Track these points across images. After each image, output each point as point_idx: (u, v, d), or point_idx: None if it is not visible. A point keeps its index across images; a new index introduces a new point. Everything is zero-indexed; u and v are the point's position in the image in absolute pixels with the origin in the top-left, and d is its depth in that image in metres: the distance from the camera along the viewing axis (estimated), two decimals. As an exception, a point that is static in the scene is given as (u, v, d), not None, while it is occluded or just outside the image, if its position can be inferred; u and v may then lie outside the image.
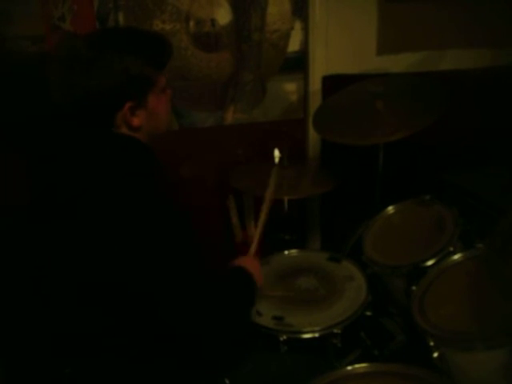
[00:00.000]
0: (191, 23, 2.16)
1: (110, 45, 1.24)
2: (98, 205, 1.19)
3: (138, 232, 1.17)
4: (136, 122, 1.27)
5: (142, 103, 1.27)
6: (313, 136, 2.43)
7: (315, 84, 2.37)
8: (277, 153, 2.15)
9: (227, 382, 1.41)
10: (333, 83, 2.35)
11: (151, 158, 1.34)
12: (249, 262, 1.53)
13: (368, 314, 1.71)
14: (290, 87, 2.38)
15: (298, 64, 2.34)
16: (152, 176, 1.29)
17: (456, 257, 1.65)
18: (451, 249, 1.69)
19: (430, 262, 1.69)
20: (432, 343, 1.40)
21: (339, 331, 1.62)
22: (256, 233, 1.69)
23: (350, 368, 1.35)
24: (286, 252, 2.05)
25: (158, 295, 1.19)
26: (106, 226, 1.18)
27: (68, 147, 1.30)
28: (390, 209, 2.03)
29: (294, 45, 2.31)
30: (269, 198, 1.71)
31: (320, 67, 2.34)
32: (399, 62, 2.41)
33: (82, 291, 1.24)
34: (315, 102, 2.37)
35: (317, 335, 1.61)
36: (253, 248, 1.64)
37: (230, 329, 1.31)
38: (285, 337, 1.61)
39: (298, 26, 2.28)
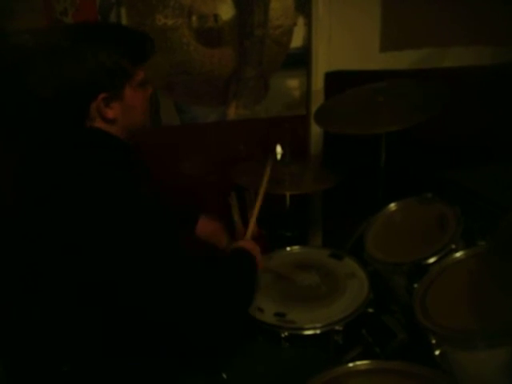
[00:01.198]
0: (194, 18, 2.15)
1: (86, 36, 1.24)
2: (73, 199, 1.18)
3: (116, 226, 1.16)
4: (110, 114, 1.26)
5: (118, 95, 1.26)
6: (315, 132, 2.42)
7: (318, 80, 2.36)
8: (279, 149, 2.14)
9: (224, 376, 1.41)
10: (335, 80, 2.34)
11: (125, 152, 1.32)
12: (248, 244, 1.53)
13: (370, 311, 1.71)
14: (293, 83, 2.37)
15: (301, 60, 2.34)
16: (125, 169, 1.27)
17: (458, 255, 1.65)
18: (453, 247, 1.69)
19: (431, 260, 1.69)
20: (433, 341, 1.39)
21: (341, 328, 1.62)
22: (250, 221, 1.68)
23: (351, 365, 1.35)
24: (288, 248, 2.05)
25: (151, 287, 1.17)
26: (82, 222, 1.16)
27: (41, 143, 1.29)
28: (392, 206, 2.03)
29: (296, 41, 2.30)
30: (262, 190, 1.72)
31: (323, 63, 2.34)
32: (402, 59, 2.40)
33: (75, 289, 1.23)
34: (318, 98, 2.37)
35: (318, 332, 1.61)
36: (248, 234, 1.64)
37: (234, 310, 1.31)
38: (286, 333, 1.61)
39: (300, 21, 2.28)
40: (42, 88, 1.22)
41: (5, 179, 1.34)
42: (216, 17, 2.17)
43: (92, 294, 1.21)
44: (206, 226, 1.80)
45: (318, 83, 2.36)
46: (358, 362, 1.35)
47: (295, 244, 2.07)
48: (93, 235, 1.15)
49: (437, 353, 1.38)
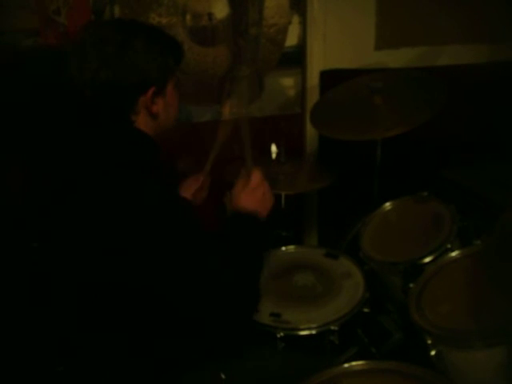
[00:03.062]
0: (188, 17, 2.14)
1: (137, 32, 1.27)
2: (103, 194, 1.20)
3: (145, 225, 1.17)
4: (155, 108, 1.29)
5: (163, 91, 1.30)
6: (310, 131, 2.42)
7: (313, 79, 2.36)
8: (274, 148, 2.14)
9: (223, 376, 1.40)
10: (331, 78, 2.34)
11: (158, 154, 1.35)
12: (248, 196, 1.42)
13: (365, 311, 1.70)
14: (288, 82, 2.37)
15: (296, 59, 2.33)
16: (156, 169, 1.29)
17: (453, 254, 1.65)
18: (449, 246, 1.69)
19: (427, 259, 1.69)
20: (429, 341, 1.39)
21: (336, 328, 1.61)
22: (246, 152, 1.56)
23: (346, 365, 1.34)
24: (283, 248, 2.04)
25: (171, 283, 1.18)
26: (107, 217, 1.17)
27: (80, 138, 1.30)
28: (388, 205, 2.03)
29: (291, 39, 2.30)
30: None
31: (318, 62, 2.33)
32: (397, 57, 2.40)
33: (80, 289, 1.23)
34: (313, 96, 2.36)
35: (314, 332, 1.61)
36: (247, 167, 1.51)
37: (246, 289, 1.30)
38: (282, 334, 1.60)
39: (295, 20, 2.27)
40: (93, 80, 1.22)
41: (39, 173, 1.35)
42: (210, 15, 2.16)
43: (97, 294, 1.21)
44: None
45: (313, 82, 2.35)
46: (354, 363, 1.34)
47: (290, 244, 2.07)
48: (119, 232, 1.16)
49: (432, 353, 1.38)
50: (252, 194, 1.42)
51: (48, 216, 1.28)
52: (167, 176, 1.30)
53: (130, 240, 1.16)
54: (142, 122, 1.29)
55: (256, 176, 1.45)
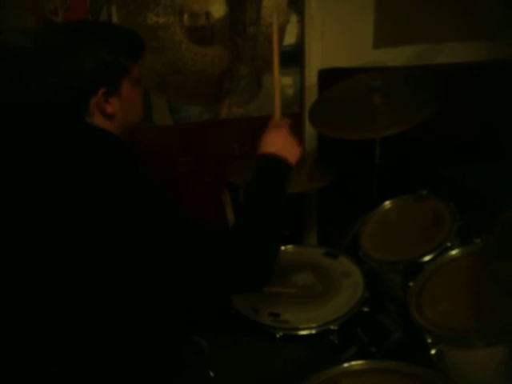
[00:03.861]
0: (185, 16, 2.13)
1: (83, 33, 1.25)
2: (74, 198, 1.17)
3: (121, 214, 1.15)
4: (109, 109, 1.26)
5: (116, 90, 1.27)
6: (309, 130, 2.41)
7: (311, 78, 2.35)
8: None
9: (212, 375, 1.40)
10: (329, 77, 2.33)
11: (124, 150, 1.32)
12: (275, 141, 1.39)
13: (365, 310, 1.70)
14: (286, 81, 2.36)
15: (294, 57, 2.33)
16: (124, 167, 1.26)
17: (453, 252, 1.64)
18: (449, 244, 1.68)
19: (427, 258, 1.68)
20: (429, 340, 1.39)
21: (336, 328, 1.60)
22: (275, 100, 1.53)
23: (346, 365, 1.34)
24: (283, 248, 2.04)
25: (163, 259, 1.17)
26: (82, 217, 1.15)
27: (35, 141, 1.28)
28: (387, 204, 2.02)
29: (289, 38, 2.29)
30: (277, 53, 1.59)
31: (316, 61, 2.33)
32: (396, 56, 2.39)
33: (72, 289, 1.22)
34: (311, 95, 2.35)
35: (313, 332, 1.60)
36: (275, 117, 1.50)
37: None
38: (281, 333, 1.59)
39: (293, 18, 2.26)
40: (41, 86, 1.21)
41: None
42: (208, 15, 2.16)
43: (89, 291, 1.20)
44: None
45: (312, 80, 2.35)
46: (354, 362, 1.34)
47: (290, 243, 2.06)
48: (93, 225, 1.15)
49: (433, 352, 1.37)
50: (281, 139, 1.40)
51: (21, 224, 1.26)
52: (139, 171, 1.27)
53: (105, 229, 1.15)
54: (99, 122, 1.27)
55: (285, 124, 1.45)
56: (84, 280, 1.20)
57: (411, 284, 1.61)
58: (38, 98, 1.23)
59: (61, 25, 1.30)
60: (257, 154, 1.41)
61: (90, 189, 1.17)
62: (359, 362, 1.34)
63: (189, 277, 1.20)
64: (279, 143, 1.39)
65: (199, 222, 1.23)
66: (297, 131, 2.43)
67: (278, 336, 1.59)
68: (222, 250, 1.22)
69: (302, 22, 2.27)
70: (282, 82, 1.58)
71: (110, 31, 1.30)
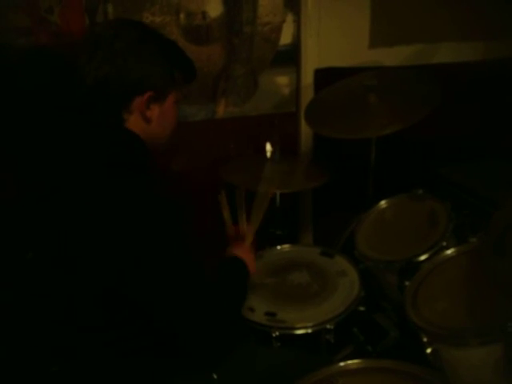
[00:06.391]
0: (182, 16, 2.13)
1: (154, 41, 1.32)
2: (93, 198, 1.19)
3: (135, 230, 1.16)
4: (149, 113, 1.31)
5: (161, 100, 1.33)
6: (305, 130, 2.41)
7: (307, 77, 2.35)
8: (269, 147, 2.13)
9: (215, 377, 1.40)
10: (325, 76, 2.33)
11: (148, 156, 1.35)
12: (244, 252, 1.57)
13: (361, 309, 1.70)
14: (282, 80, 2.36)
15: (290, 57, 2.32)
16: (148, 173, 1.30)
17: (449, 251, 1.64)
18: (444, 243, 1.69)
19: (423, 257, 1.68)
20: (425, 339, 1.39)
21: (332, 327, 1.61)
22: (252, 226, 1.70)
23: (342, 364, 1.34)
24: (279, 247, 2.04)
25: (154, 295, 1.19)
26: (98, 222, 1.16)
27: (64, 140, 1.31)
28: (383, 203, 2.02)
29: (285, 37, 2.29)
30: (266, 194, 1.75)
31: (312, 60, 2.33)
32: (392, 55, 2.39)
33: (73, 289, 1.22)
34: (307, 95, 2.35)
35: (309, 331, 1.60)
36: (248, 240, 1.65)
37: (226, 322, 1.30)
38: (277, 333, 1.60)
39: (289, 18, 2.26)
40: (93, 70, 1.25)
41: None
42: (204, 14, 2.16)
43: (89, 295, 1.21)
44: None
45: (308, 80, 2.35)
46: (350, 361, 1.34)
47: (286, 242, 2.07)
48: (104, 232, 1.16)
49: (428, 351, 1.37)
50: (250, 254, 1.59)
51: (38, 220, 1.28)
52: (155, 181, 1.28)
53: (114, 240, 1.16)
54: (134, 122, 1.30)
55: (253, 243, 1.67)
56: (83, 284, 1.21)
57: (407, 283, 1.62)
58: (87, 81, 1.26)
59: (136, 23, 1.38)
60: (230, 252, 1.58)
61: (103, 191, 1.19)
62: (355, 361, 1.34)
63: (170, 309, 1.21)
64: (247, 256, 1.56)
65: (198, 262, 1.27)
66: (292, 131, 2.45)
67: (274, 335, 1.59)
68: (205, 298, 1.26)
69: (298, 22, 2.27)
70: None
71: (174, 49, 1.37)
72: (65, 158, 1.28)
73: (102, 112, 1.29)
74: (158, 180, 1.28)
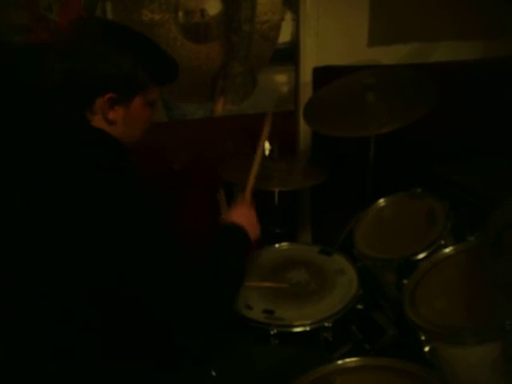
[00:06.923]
0: (180, 13, 2.13)
1: (121, 38, 1.28)
2: (71, 197, 1.17)
3: (118, 227, 1.15)
4: (111, 115, 1.27)
5: (125, 102, 1.28)
6: (303, 128, 2.41)
7: (306, 75, 2.35)
8: (267, 145, 2.13)
9: (213, 374, 1.40)
10: (324, 75, 2.34)
11: (122, 153, 1.33)
12: (242, 214, 1.51)
13: (359, 307, 1.70)
14: (281, 79, 2.36)
15: (289, 55, 2.33)
16: (123, 170, 1.28)
17: (447, 250, 1.64)
18: (442, 242, 1.69)
19: (421, 256, 1.68)
20: (423, 337, 1.39)
21: (330, 325, 1.61)
22: (249, 181, 1.66)
23: (340, 362, 1.34)
24: (277, 245, 2.04)
25: (145, 289, 1.17)
26: (79, 218, 1.15)
27: (34, 140, 1.29)
28: (381, 202, 2.02)
29: (284, 36, 2.29)
30: (261, 146, 1.74)
31: (311, 58, 2.33)
32: (391, 54, 2.40)
33: (68, 290, 1.22)
34: (306, 93, 2.36)
35: (308, 329, 1.60)
36: (247, 195, 1.61)
37: (220, 309, 1.29)
38: (275, 330, 1.60)
39: (288, 16, 2.26)
40: (52, 71, 1.24)
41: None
42: (203, 12, 2.15)
43: (83, 294, 1.20)
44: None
45: (306, 78, 2.35)
46: (348, 359, 1.34)
47: (284, 241, 2.07)
48: (89, 231, 1.15)
49: (426, 349, 1.38)
50: (248, 217, 1.52)
51: (16, 222, 1.26)
52: (132, 176, 1.27)
53: (102, 238, 1.15)
54: (98, 123, 1.28)
55: (251, 204, 1.59)
56: (78, 284, 1.20)
57: (405, 281, 1.62)
58: (47, 82, 1.26)
59: (105, 21, 1.38)
60: (225, 219, 1.51)
61: (81, 190, 1.17)
62: (353, 359, 1.34)
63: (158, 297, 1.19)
64: (246, 220, 1.49)
65: (182, 249, 1.24)
66: (291, 129, 2.45)
67: (272, 333, 1.59)
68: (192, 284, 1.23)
69: (297, 20, 2.27)
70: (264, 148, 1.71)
71: (147, 51, 1.31)
72: (43, 159, 1.25)
73: (64, 112, 1.27)
74: (134, 175, 1.26)
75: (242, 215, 1.51)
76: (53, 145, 1.26)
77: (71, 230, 1.16)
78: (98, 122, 1.27)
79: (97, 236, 1.15)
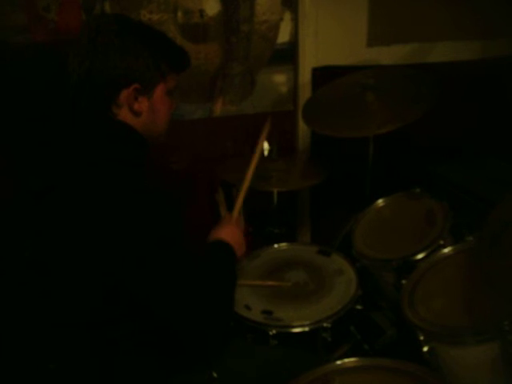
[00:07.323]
0: (179, 14, 2.13)
1: (139, 33, 1.31)
2: (89, 195, 1.18)
3: (127, 226, 1.16)
4: (137, 106, 1.31)
5: (148, 91, 1.32)
6: (302, 128, 2.41)
7: (305, 76, 2.35)
8: (266, 145, 2.13)
9: (215, 375, 1.40)
10: (323, 75, 2.33)
11: (144, 149, 1.36)
12: (229, 232, 1.51)
13: (358, 307, 1.70)
14: (280, 79, 2.36)
15: (288, 55, 2.32)
16: (143, 166, 1.31)
17: (446, 250, 1.65)
18: (441, 242, 1.69)
19: (420, 256, 1.69)
20: (422, 337, 1.39)
21: (329, 325, 1.61)
22: (239, 196, 1.65)
23: (339, 362, 1.34)
24: (276, 245, 2.04)
25: (150, 288, 1.18)
26: (93, 219, 1.16)
27: (59, 135, 1.32)
28: (380, 202, 2.03)
29: (283, 36, 2.29)
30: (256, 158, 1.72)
31: (310, 59, 2.33)
32: (390, 54, 2.39)
33: (70, 287, 1.22)
34: (305, 93, 2.35)
35: (306, 329, 1.60)
36: (234, 213, 1.61)
37: (217, 311, 1.29)
38: (274, 331, 1.60)
39: (287, 16, 2.26)
40: (78, 66, 1.27)
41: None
42: (202, 12, 2.15)
43: (86, 291, 1.20)
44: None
45: (305, 78, 2.35)
46: (347, 360, 1.34)
47: (283, 241, 2.07)
48: (100, 229, 1.16)
49: (425, 349, 1.38)
50: (236, 235, 1.51)
51: (35, 219, 1.28)
52: (151, 175, 1.28)
53: (110, 236, 1.15)
54: (124, 116, 1.31)
55: (240, 222, 1.60)
56: (81, 281, 1.20)
57: (404, 282, 1.62)
58: (73, 77, 1.28)
59: (117, 15, 1.42)
60: (213, 236, 1.50)
61: (98, 188, 1.19)
62: (352, 359, 1.34)
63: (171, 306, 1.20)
64: (234, 238, 1.49)
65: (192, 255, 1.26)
66: (290, 129, 2.45)
67: (270, 334, 1.59)
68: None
69: (296, 20, 2.26)
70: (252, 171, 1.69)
71: (161, 40, 1.36)
72: (60, 157, 1.27)
73: (89, 107, 1.29)
74: (153, 174, 1.28)
75: (232, 235, 1.51)
76: (79, 142, 1.27)
77: (84, 228, 1.17)
78: (124, 115, 1.30)
79: (106, 233, 1.16)
